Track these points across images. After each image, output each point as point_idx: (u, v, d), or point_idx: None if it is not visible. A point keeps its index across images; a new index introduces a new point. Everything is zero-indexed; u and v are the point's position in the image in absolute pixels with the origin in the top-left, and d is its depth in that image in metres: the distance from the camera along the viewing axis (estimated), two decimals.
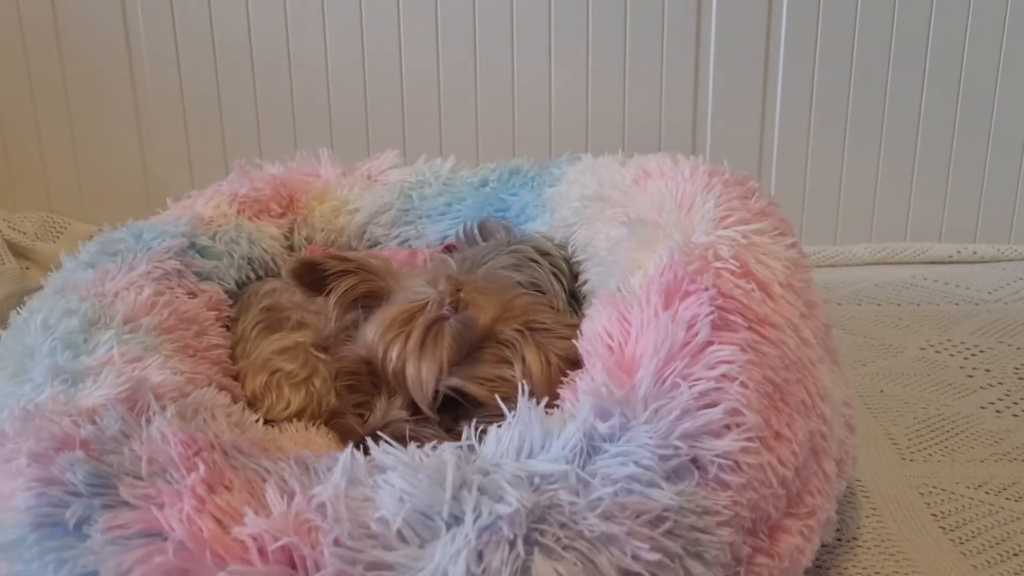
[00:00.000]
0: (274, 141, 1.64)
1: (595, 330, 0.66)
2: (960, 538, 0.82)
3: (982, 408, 1.07)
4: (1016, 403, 1.08)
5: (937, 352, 1.24)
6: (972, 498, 0.88)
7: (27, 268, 1.54)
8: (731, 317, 0.63)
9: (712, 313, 0.62)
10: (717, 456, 0.56)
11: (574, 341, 0.69)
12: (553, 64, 1.61)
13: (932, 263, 1.63)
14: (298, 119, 1.65)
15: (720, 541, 0.54)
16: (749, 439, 0.57)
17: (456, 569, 0.49)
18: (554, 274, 0.88)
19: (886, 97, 1.62)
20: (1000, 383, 1.14)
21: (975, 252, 1.64)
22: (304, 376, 0.85)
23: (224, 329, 0.89)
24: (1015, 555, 0.79)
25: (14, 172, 1.69)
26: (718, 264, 0.67)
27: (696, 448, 0.55)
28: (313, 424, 0.82)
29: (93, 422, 0.59)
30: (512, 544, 0.50)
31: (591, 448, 0.55)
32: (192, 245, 0.94)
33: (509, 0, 1.58)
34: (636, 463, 0.54)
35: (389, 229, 1.12)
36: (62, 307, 0.76)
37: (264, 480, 0.55)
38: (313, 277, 0.84)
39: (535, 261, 0.88)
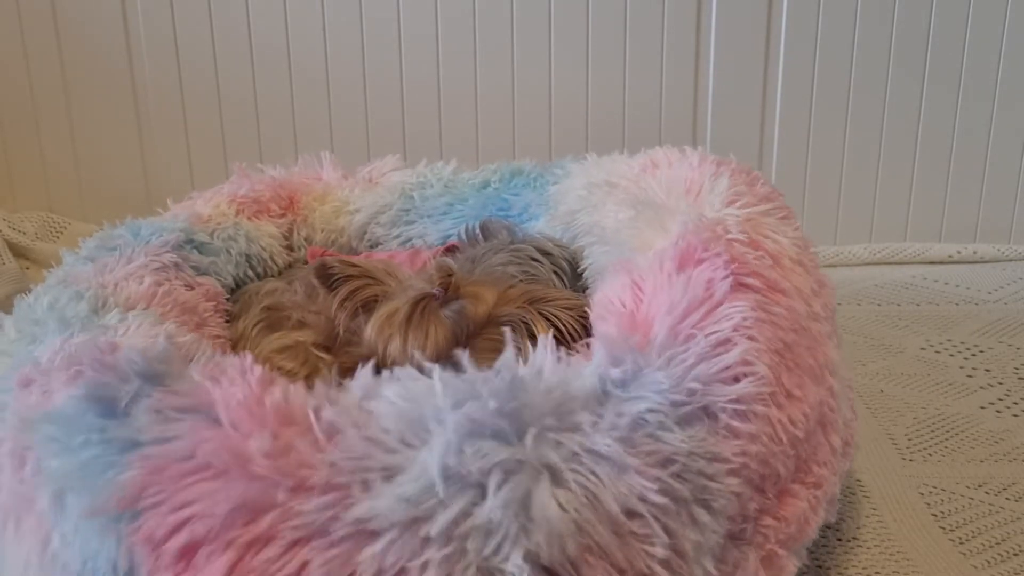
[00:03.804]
0: (274, 141, 1.64)
1: (607, 297, 0.64)
2: (960, 538, 0.82)
3: (982, 408, 1.07)
4: (1016, 403, 1.08)
5: (937, 352, 1.24)
6: (972, 498, 0.88)
7: (27, 268, 1.54)
8: (745, 279, 0.63)
9: (728, 276, 0.62)
10: (728, 402, 0.56)
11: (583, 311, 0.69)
12: (553, 66, 1.61)
13: (932, 263, 1.63)
14: (298, 119, 1.65)
15: (728, 490, 0.54)
16: (759, 388, 0.57)
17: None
18: (556, 273, 0.88)
19: (886, 97, 1.62)
20: (1000, 383, 1.14)
21: (975, 252, 1.64)
22: (304, 375, 0.85)
23: (222, 320, 0.90)
24: (1015, 555, 0.79)
25: (14, 172, 1.69)
26: (729, 236, 0.68)
27: (708, 396, 0.55)
28: None
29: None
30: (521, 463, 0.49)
31: (603, 394, 0.54)
32: (189, 241, 0.94)
33: (509, 3, 1.58)
34: (648, 406, 0.53)
35: (389, 229, 1.11)
36: (68, 293, 0.75)
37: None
38: (330, 280, 0.85)
39: (536, 260, 0.88)
